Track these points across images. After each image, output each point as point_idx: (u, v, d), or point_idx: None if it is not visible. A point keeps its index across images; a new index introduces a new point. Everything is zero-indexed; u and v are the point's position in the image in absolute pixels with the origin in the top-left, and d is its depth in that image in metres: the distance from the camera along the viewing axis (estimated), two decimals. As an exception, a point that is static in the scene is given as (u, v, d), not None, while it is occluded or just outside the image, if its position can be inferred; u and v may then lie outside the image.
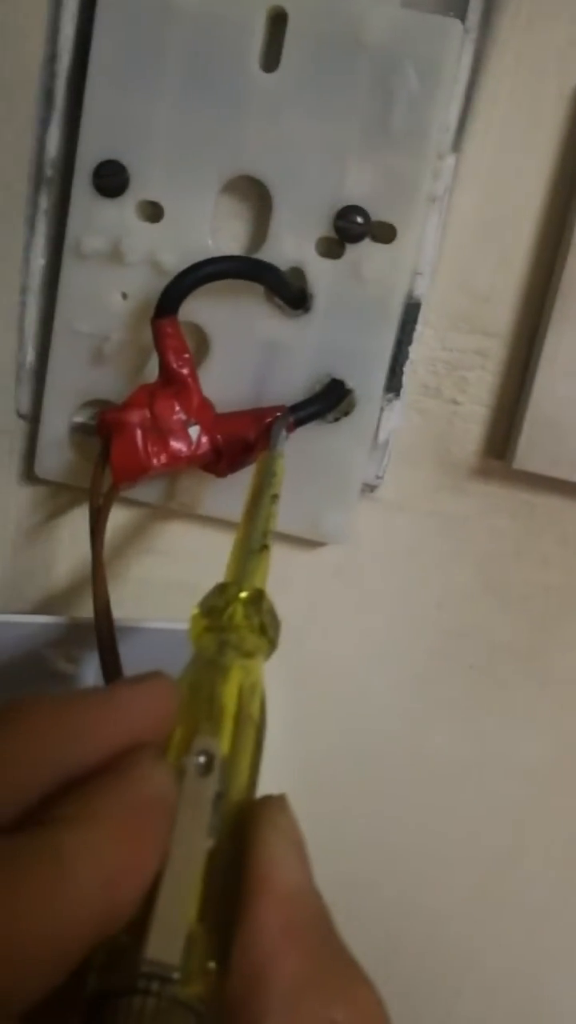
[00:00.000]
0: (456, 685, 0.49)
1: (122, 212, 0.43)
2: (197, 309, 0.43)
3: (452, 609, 0.48)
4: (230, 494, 0.44)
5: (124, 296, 0.44)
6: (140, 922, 0.23)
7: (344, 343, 0.43)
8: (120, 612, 0.42)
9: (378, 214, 0.42)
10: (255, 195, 0.43)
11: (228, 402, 0.43)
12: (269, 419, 0.42)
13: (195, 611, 0.33)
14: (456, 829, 0.51)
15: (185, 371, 0.41)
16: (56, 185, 0.44)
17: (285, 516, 0.44)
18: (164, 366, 0.41)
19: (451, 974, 0.53)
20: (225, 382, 0.44)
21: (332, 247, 0.42)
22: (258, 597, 0.33)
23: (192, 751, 0.26)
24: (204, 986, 0.23)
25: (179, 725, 0.27)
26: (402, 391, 0.45)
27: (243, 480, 0.43)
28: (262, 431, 0.41)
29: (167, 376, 0.41)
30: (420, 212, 0.42)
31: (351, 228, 0.41)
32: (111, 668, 0.38)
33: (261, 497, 0.37)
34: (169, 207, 0.43)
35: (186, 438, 0.41)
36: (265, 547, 0.35)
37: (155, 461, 0.40)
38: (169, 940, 0.22)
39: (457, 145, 0.42)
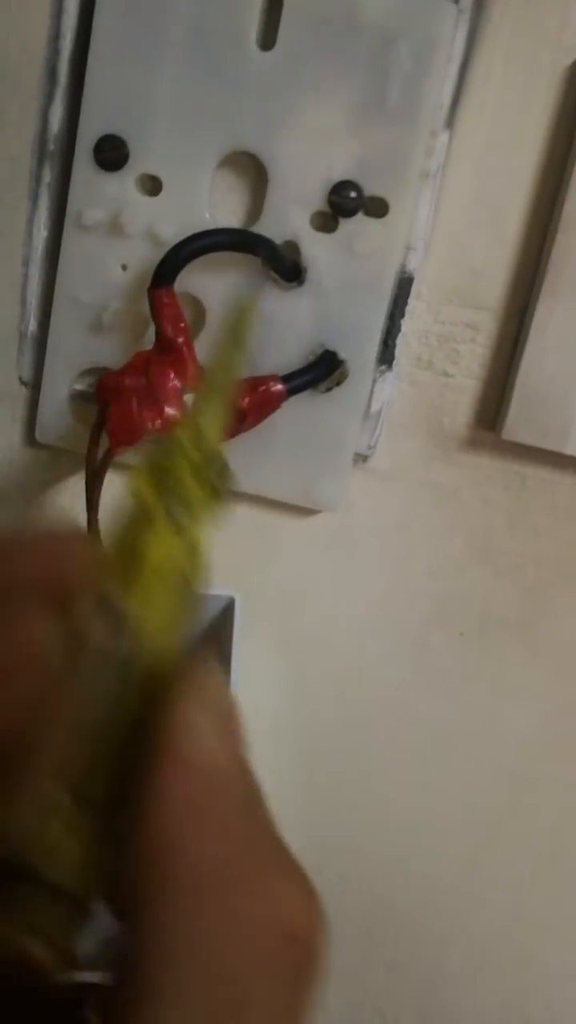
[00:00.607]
0: (448, 653, 0.50)
1: (122, 185, 0.44)
2: (195, 281, 0.44)
3: (444, 578, 0.49)
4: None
5: (124, 267, 0.45)
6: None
7: (338, 315, 0.44)
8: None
9: (371, 189, 0.43)
10: (252, 170, 0.44)
11: (224, 371, 0.44)
12: (262, 387, 0.43)
13: (139, 463, 0.29)
14: (448, 795, 0.52)
15: (180, 340, 0.42)
16: (59, 159, 0.45)
17: (279, 484, 0.45)
18: (160, 334, 0.42)
19: (440, 937, 0.54)
20: (221, 352, 0.45)
21: (326, 221, 0.43)
22: (209, 451, 0.29)
23: (98, 611, 0.24)
24: (69, 864, 0.21)
25: (97, 583, 0.25)
26: (394, 363, 0.46)
27: (237, 446, 0.44)
28: (255, 399, 0.43)
29: (163, 344, 0.42)
30: (413, 188, 0.43)
31: (344, 203, 0.43)
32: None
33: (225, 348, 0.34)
34: (168, 181, 0.44)
35: (180, 404, 0.42)
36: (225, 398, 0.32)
37: (150, 425, 0.41)
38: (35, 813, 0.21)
39: (451, 122, 0.43)
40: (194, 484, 0.28)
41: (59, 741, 0.22)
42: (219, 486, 0.29)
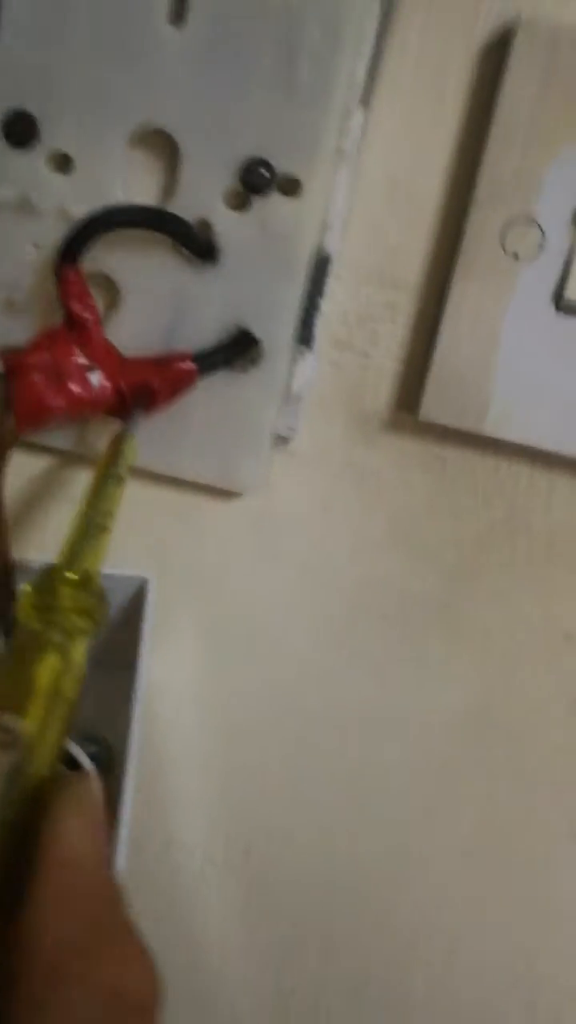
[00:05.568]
0: (370, 635, 0.50)
1: (33, 163, 0.44)
2: (109, 260, 0.44)
3: (365, 561, 0.49)
4: (139, 441, 0.45)
5: (36, 246, 0.44)
6: None
7: (252, 294, 0.44)
8: (38, 556, 0.43)
9: (284, 167, 0.42)
10: (166, 148, 0.44)
11: (139, 350, 0.44)
12: (173, 365, 0.42)
13: (27, 587, 0.34)
14: (374, 776, 0.52)
15: (88, 316, 0.42)
16: (-27, 136, 0.45)
17: (196, 465, 0.45)
18: (67, 311, 0.42)
19: (371, 922, 0.54)
20: (136, 331, 0.45)
21: (240, 200, 0.43)
22: (87, 579, 0.34)
23: None
24: None
25: None
26: (313, 343, 0.45)
27: (153, 426, 0.44)
28: (166, 377, 0.42)
29: (70, 321, 0.42)
30: (327, 166, 0.43)
31: (256, 180, 0.42)
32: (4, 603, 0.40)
33: (106, 478, 0.39)
34: (80, 159, 0.43)
35: (85, 382, 0.42)
36: (104, 528, 0.37)
37: (54, 403, 0.41)
38: None
39: (366, 101, 0.43)
40: (72, 608, 0.33)
41: None
42: (95, 611, 0.34)
